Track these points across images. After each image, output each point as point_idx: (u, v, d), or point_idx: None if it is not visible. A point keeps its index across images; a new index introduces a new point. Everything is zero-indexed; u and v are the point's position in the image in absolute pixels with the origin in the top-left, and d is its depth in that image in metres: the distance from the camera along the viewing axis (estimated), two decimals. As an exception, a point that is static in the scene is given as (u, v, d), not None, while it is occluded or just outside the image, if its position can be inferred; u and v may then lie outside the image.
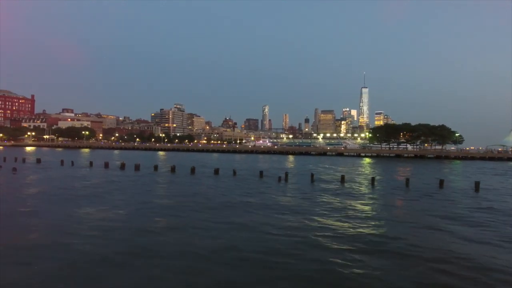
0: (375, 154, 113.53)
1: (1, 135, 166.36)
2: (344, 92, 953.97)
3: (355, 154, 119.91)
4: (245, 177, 38.20)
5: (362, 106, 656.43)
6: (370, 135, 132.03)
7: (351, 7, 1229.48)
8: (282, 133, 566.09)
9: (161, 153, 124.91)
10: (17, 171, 39.40)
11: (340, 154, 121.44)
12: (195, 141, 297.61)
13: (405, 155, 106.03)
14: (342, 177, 35.45)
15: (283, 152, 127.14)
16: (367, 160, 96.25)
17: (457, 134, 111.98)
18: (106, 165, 46.99)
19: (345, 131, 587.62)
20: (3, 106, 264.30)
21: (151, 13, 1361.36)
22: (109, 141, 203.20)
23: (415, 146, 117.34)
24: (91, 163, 50.12)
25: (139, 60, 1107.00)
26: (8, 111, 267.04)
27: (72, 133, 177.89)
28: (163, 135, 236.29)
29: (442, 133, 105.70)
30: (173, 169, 43.23)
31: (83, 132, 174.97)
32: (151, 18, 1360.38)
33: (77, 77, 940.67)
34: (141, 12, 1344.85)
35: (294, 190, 28.31)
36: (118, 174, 39.07)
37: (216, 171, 40.90)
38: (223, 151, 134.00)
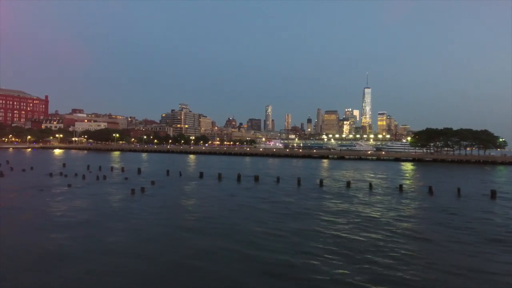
0: (412, 159, 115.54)
1: (29, 137, 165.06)
2: (346, 92, 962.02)
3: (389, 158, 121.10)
4: (387, 191, 38.94)
5: (365, 106, 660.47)
6: (411, 139, 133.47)
7: (354, 7, 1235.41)
8: (288, 133, 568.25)
9: (192, 156, 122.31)
10: (155, 184, 39.80)
11: (378, 159, 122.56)
12: (209, 142, 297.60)
13: (449, 159, 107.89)
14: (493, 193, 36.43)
15: (324, 156, 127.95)
16: (409, 165, 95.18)
17: (501, 139, 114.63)
18: (220, 177, 47.38)
19: (347, 132, 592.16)
20: (18, 107, 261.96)
21: (150, 12, 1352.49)
22: (132, 143, 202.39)
23: (442, 150, 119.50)
24: (201, 174, 50.23)
25: (140, 60, 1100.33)
26: (23, 112, 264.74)
27: (103, 135, 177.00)
28: (193, 138, 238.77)
29: (487, 138, 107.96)
30: (299, 182, 43.93)
31: (113, 135, 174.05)
32: (151, 17, 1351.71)
33: (79, 77, 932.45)
34: (140, 11, 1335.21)
35: None
36: (270, 188, 39.50)
37: (348, 184, 41.59)
38: (260, 155, 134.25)
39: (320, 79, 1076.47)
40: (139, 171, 54.46)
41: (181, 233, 19.31)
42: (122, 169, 55.94)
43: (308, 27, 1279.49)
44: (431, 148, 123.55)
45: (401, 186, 39.86)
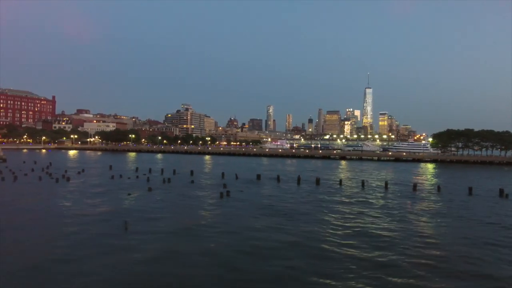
0: (432, 160, 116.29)
1: (43, 137, 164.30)
2: (347, 93, 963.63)
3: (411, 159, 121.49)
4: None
5: (366, 106, 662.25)
6: (432, 140, 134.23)
7: (354, 7, 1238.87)
8: (292, 134, 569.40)
9: (207, 157, 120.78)
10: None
11: (398, 159, 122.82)
12: (217, 142, 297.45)
13: (472, 160, 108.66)
14: None
15: (343, 157, 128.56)
16: (430, 166, 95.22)
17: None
18: (278, 179, 47.73)
19: (349, 132, 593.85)
20: (25, 107, 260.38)
21: (149, 12, 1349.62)
22: (142, 144, 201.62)
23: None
24: (258, 176, 50.53)
25: (140, 60, 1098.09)
26: (31, 112, 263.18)
27: (118, 136, 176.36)
28: (209, 138, 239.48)
29: (509, 139, 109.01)
30: (363, 184, 44.48)
31: (130, 135, 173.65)
32: (151, 17, 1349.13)
33: (80, 77, 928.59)
34: (141, 11, 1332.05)
35: None
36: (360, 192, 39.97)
37: (414, 187, 41.95)
38: (280, 156, 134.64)
39: (321, 79, 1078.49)
40: (191, 173, 54.76)
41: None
42: (174, 172, 56.17)
43: (309, 27, 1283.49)
44: (450, 149, 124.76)
45: (470, 188, 40.48)
